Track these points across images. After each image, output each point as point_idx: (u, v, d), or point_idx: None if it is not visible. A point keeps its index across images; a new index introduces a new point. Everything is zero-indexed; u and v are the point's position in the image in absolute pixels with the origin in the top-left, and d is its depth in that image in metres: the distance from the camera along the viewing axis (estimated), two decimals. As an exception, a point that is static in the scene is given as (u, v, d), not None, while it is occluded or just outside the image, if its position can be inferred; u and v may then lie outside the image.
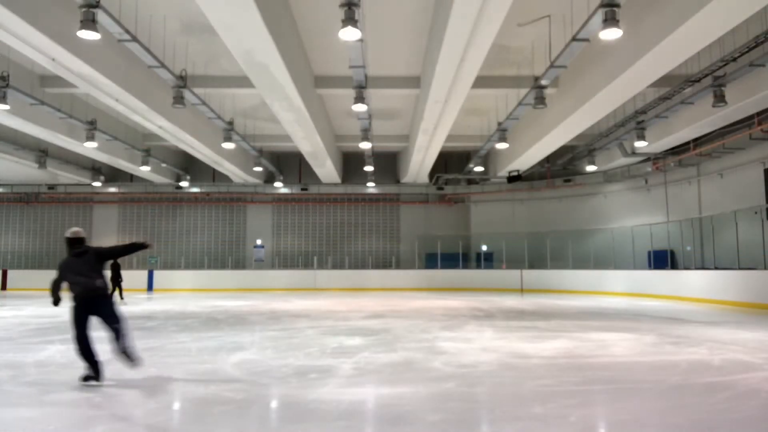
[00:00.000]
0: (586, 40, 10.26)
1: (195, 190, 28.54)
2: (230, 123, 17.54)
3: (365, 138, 18.63)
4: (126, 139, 20.68)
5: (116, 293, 18.88)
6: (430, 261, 26.63)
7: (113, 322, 5.73)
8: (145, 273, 24.87)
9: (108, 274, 18.94)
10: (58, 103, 16.26)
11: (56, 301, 5.89)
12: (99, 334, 5.75)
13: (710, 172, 19.89)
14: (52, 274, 5.86)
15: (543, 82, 12.80)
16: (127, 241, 6.71)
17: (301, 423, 4.50)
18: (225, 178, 27.37)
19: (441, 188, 28.28)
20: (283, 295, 21.54)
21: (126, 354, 5.73)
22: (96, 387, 5.73)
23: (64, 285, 5.85)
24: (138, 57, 11.58)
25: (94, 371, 5.58)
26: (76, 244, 5.87)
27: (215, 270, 26.78)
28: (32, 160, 21.94)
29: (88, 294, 5.69)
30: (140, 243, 6.22)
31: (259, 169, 25.08)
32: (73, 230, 6.02)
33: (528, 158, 21.22)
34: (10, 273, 25.78)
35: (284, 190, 28.56)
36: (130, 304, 17.28)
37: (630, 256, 21.83)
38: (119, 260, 19.14)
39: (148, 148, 22.80)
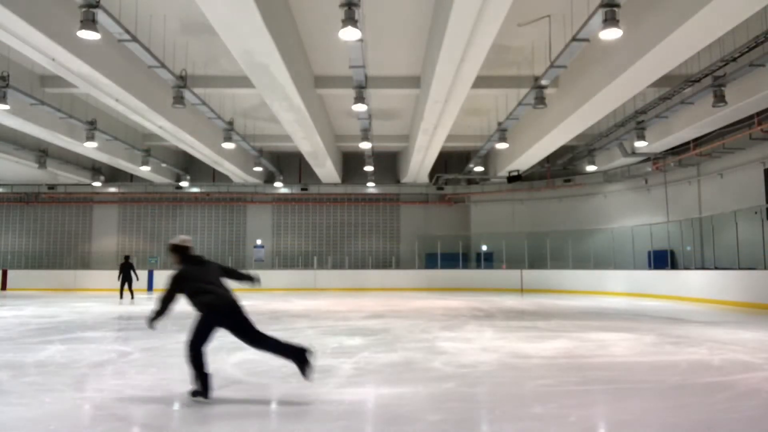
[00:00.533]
0: (586, 40, 10.26)
1: (195, 190, 28.53)
2: (230, 123, 17.54)
3: (365, 138, 18.63)
4: (126, 139, 20.68)
5: (124, 293, 19.01)
6: (430, 261, 26.62)
7: (255, 332, 5.21)
8: (145, 273, 24.84)
9: (116, 273, 19.48)
10: (58, 103, 16.26)
11: (158, 316, 5.22)
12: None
13: (710, 172, 19.89)
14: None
15: (543, 82, 12.80)
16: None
17: (301, 423, 4.50)
18: (225, 178, 27.37)
19: (441, 188, 28.27)
20: (283, 295, 21.53)
21: (294, 350, 5.26)
22: (96, 387, 5.73)
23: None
24: (138, 57, 11.59)
25: (202, 385, 5.11)
26: (188, 252, 5.44)
27: (215, 270, 26.74)
28: (32, 160, 21.93)
29: (225, 302, 5.18)
30: (253, 277, 5.81)
31: (259, 169, 25.09)
32: (182, 238, 5.52)
33: (528, 158, 21.22)
34: (10, 273, 25.71)
35: (284, 190, 28.56)
36: (131, 304, 17.29)
37: (630, 256, 21.82)
38: (131, 260, 19.81)
39: (148, 148, 22.80)
